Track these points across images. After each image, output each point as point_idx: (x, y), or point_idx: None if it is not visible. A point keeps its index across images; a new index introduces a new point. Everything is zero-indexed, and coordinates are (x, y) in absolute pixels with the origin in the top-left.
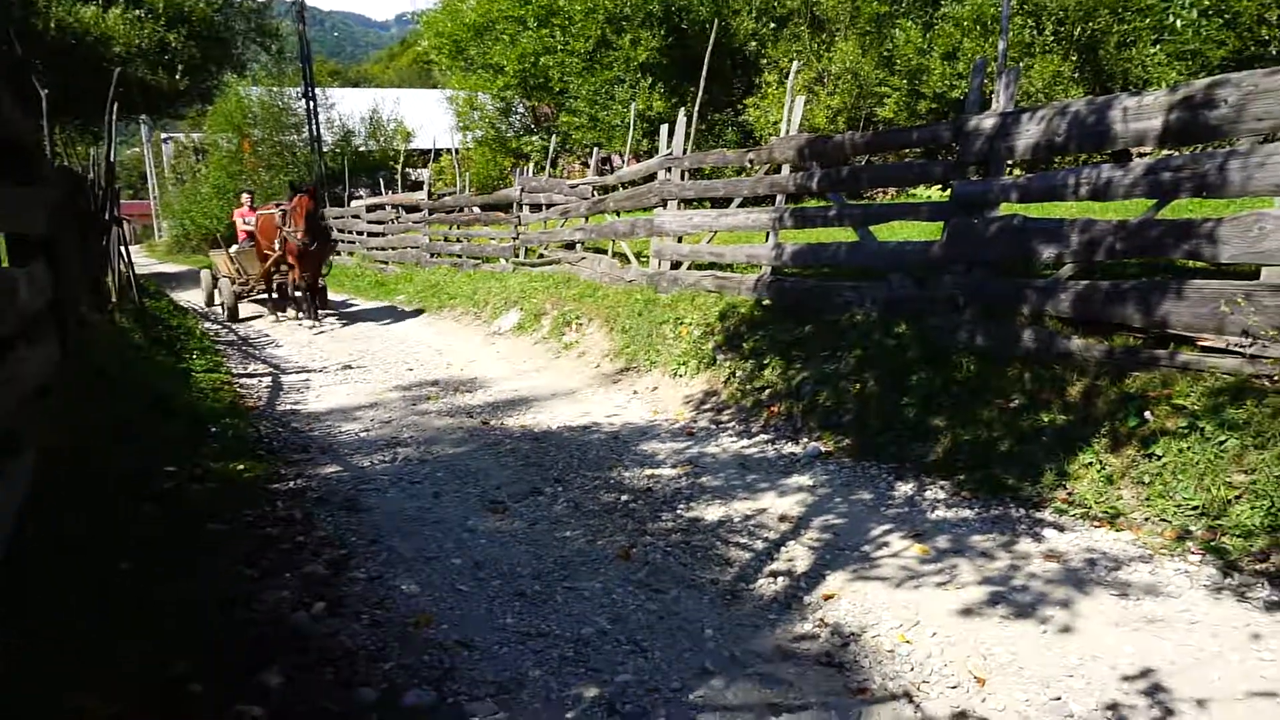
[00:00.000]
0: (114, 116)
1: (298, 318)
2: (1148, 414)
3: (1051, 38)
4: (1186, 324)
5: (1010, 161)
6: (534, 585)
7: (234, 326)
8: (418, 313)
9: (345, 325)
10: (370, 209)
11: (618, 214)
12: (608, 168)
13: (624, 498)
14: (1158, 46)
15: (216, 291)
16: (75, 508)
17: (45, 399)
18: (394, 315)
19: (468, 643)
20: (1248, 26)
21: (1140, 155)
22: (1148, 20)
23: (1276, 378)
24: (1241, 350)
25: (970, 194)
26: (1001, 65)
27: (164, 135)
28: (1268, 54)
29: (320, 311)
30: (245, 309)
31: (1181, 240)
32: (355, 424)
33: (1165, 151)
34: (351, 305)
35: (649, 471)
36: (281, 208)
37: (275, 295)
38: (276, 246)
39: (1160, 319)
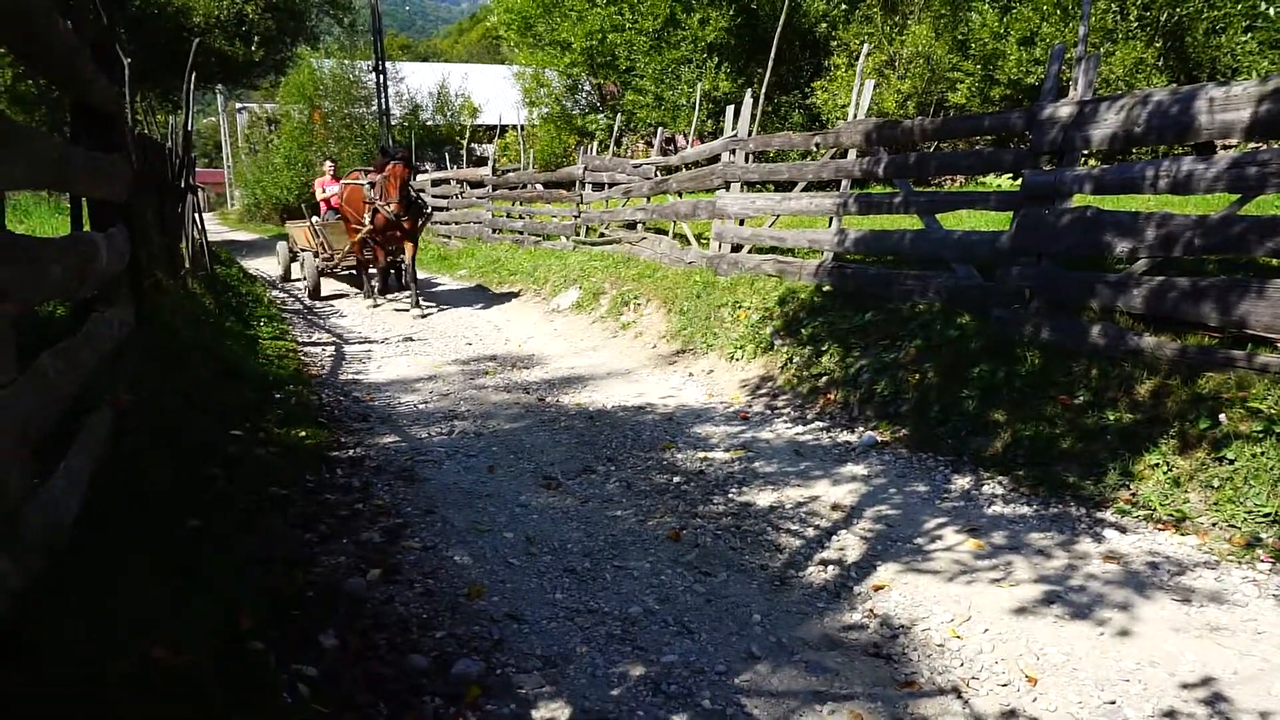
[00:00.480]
0: (192, 86)
1: (392, 300)
2: (1221, 416)
3: (1135, 23)
4: (1267, 325)
5: (1085, 152)
6: (584, 562)
7: (312, 303)
8: (479, 289)
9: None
10: (435, 183)
11: (680, 195)
12: (671, 148)
13: (676, 479)
14: (1249, 34)
15: (296, 266)
16: (148, 467)
17: (120, 360)
18: (456, 290)
19: (517, 616)
20: None
21: (1225, 149)
22: (1239, 6)
23: None
24: None
25: (1042, 184)
26: (1081, 51)
27: (239, 105)
28: None
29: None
30: (328, 286)
31: (1266, 238)
32: (414, 395)
33: (1252, 145)
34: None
35: (702, 454)
36: (370, 177)
37: (370, 274)
38: (366, 220)
39: (1239, 319)
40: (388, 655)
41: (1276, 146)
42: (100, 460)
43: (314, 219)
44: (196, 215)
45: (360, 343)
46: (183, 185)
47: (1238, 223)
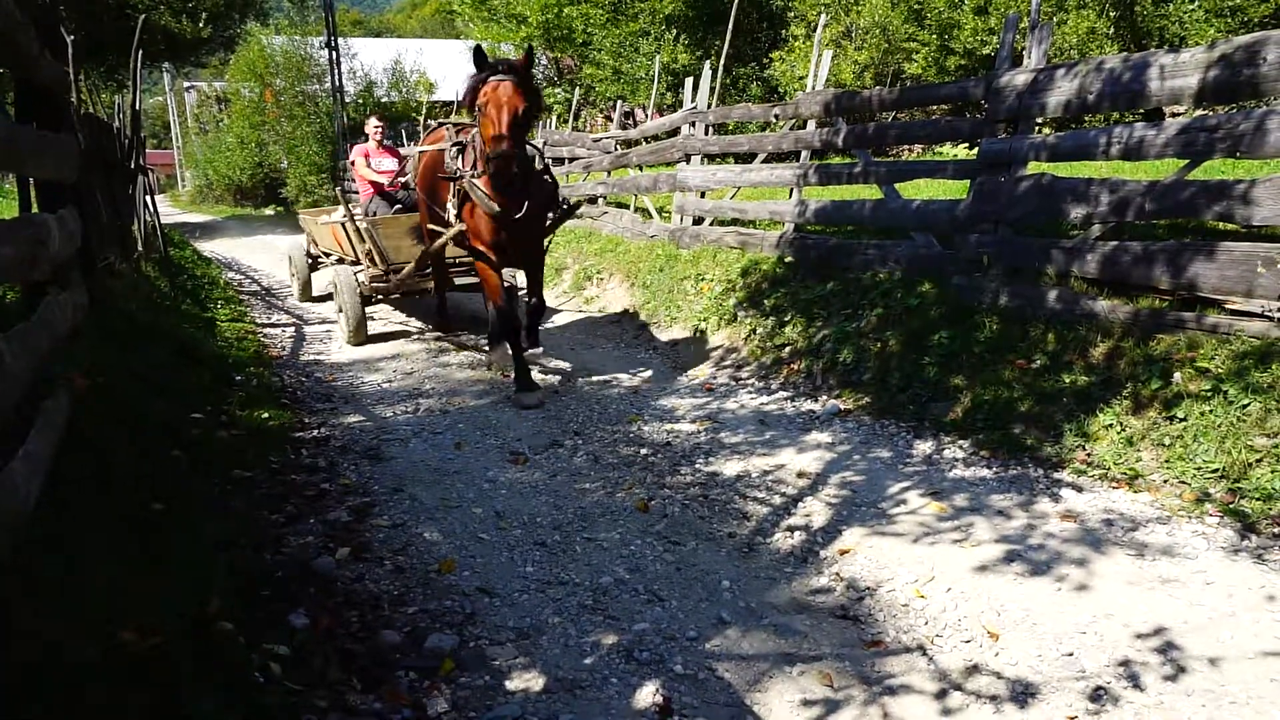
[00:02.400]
0: (139, 64)
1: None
2: (1174, 376)
3: None
4: (1215, 287)
5: (1040, 120)
6: (554, 535)
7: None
8: None
9: None
10: None
11: (640, 168)
12: (631, 121)
13: (643, 451)
14: (1196, 3)
15: (322, 279)
16: (109, 450)
17: (76, 344)
18: None
19: (489, 590)
20: None
21: (1174, 115)
22: None
23: None
24: (1271, 314)
25: (998, 152)
26: (1035, 20)
27: (187, 84)
28: None
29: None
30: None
31: (1214, 202)
32: (377, 375)
33: (1200, 111)
34: None
35: (668, 426)
36: (462, 135)
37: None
38: (451, 214)
39: (1189, 281)
40: (360, 632)
41: (1223, 112)
42: (60, 444)
43: (353, 211)
44: (148, 197)
45: (320, 323)
46: (133, 166)
47: (1187, 187)
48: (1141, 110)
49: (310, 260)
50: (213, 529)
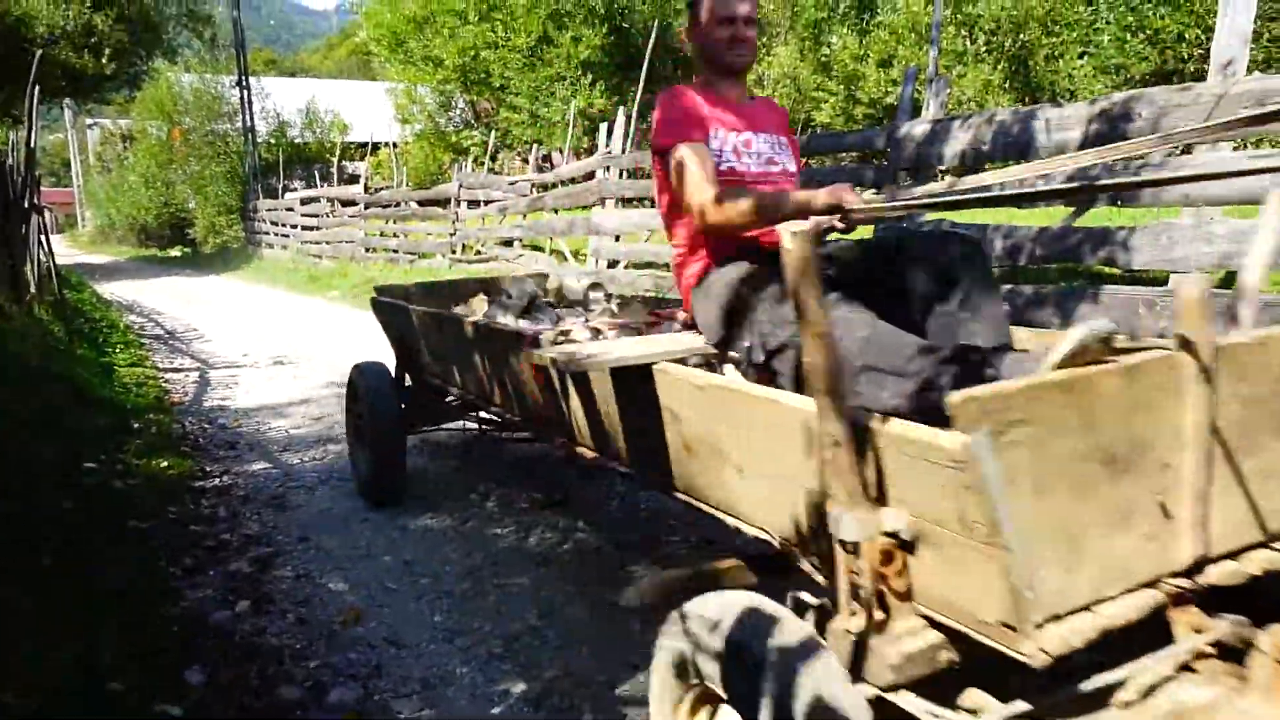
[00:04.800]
0: (35, 101)
1: None
2: None
3: (984, 48)
4: None
5: (940, 168)
6: (463, 583)
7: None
8: (354, 309)
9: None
10: (305, 201)
11: (556, 212)
12: (548, 165)
13: (559, 494)
14: (1084, 60)
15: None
16: None
17: None
18: (329, 311)
19: (396, 641)
20: (1168, 44)
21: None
22: (1075, 34)
23: None
24: None
25: None
26: (933, 74)
27: (90, 121)
28: (1186, 70)
29: None
30: None
31: (1099, 247)
32: (285, 421)
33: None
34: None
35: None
36: None
37: None
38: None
39: (1078, 323)
40: (259, 688)
41: (1106, 163)
42: None
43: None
44: (43, 237)
45: (226, 367)
46: (27, 205)
47: (1073, 233)
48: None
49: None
50: (104, 583)
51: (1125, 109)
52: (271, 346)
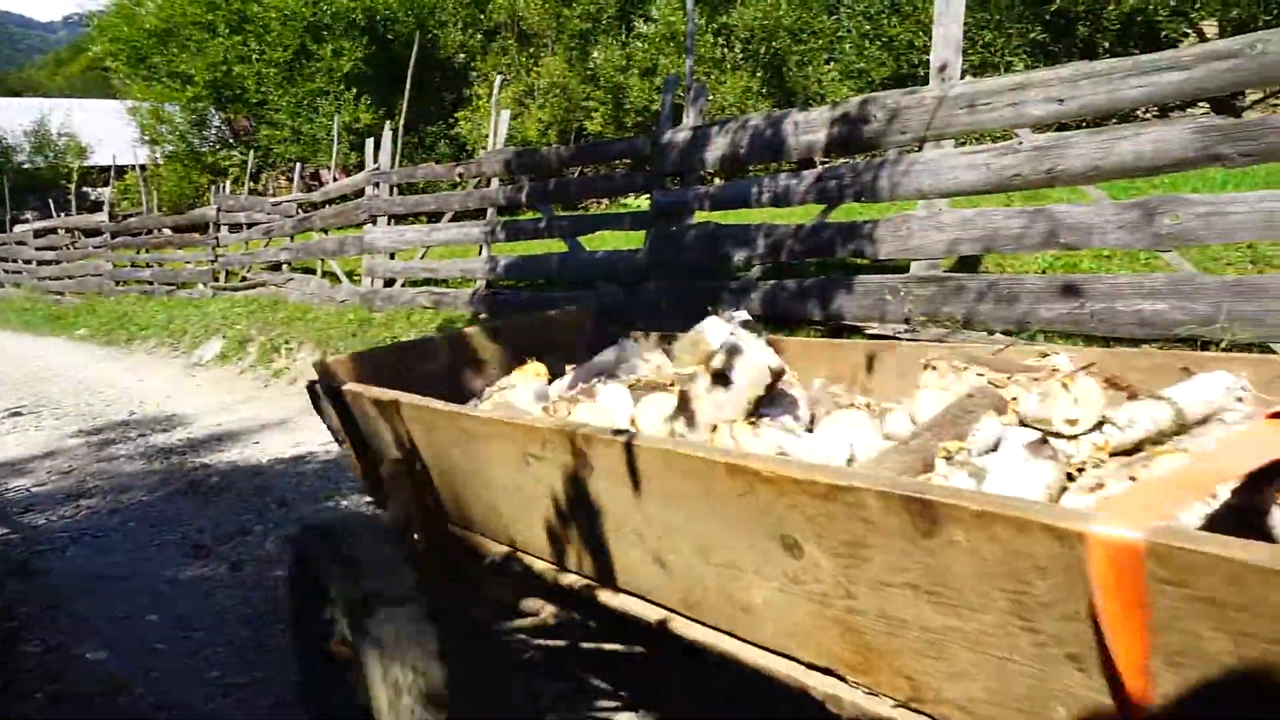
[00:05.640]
0: None
1: None
2: None
3: (741, 56)
4: (855, 315)
5: (705, 172)
6: (242, 631)
7: None
8: (104, 348)
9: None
10: (39, 234)
11: (325, 232)
12: (316, 183)
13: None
14: (830, 65)
15: None
16: None
17: None
18: (74, 351)
19: (168, 704)
20: (902, 50)
21: (821, 163)
22: (821, 42)
23: None
24: (899, 336)
25: (668, 203)
26: (690, 82)
27: None
28: (918, 74)
29: None
30: None
31: (848, 240)
32: (26, 479)
33: (841, 160)
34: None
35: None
36: None
37: None
38: None
39: (836, 312)
40: None
41: (850, 161)
42: None
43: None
44: None
45: None
46: None
47: (826, 229)
48: (798, 160)
49: None
50: None
51: (862, 111)
52: (6, 397)
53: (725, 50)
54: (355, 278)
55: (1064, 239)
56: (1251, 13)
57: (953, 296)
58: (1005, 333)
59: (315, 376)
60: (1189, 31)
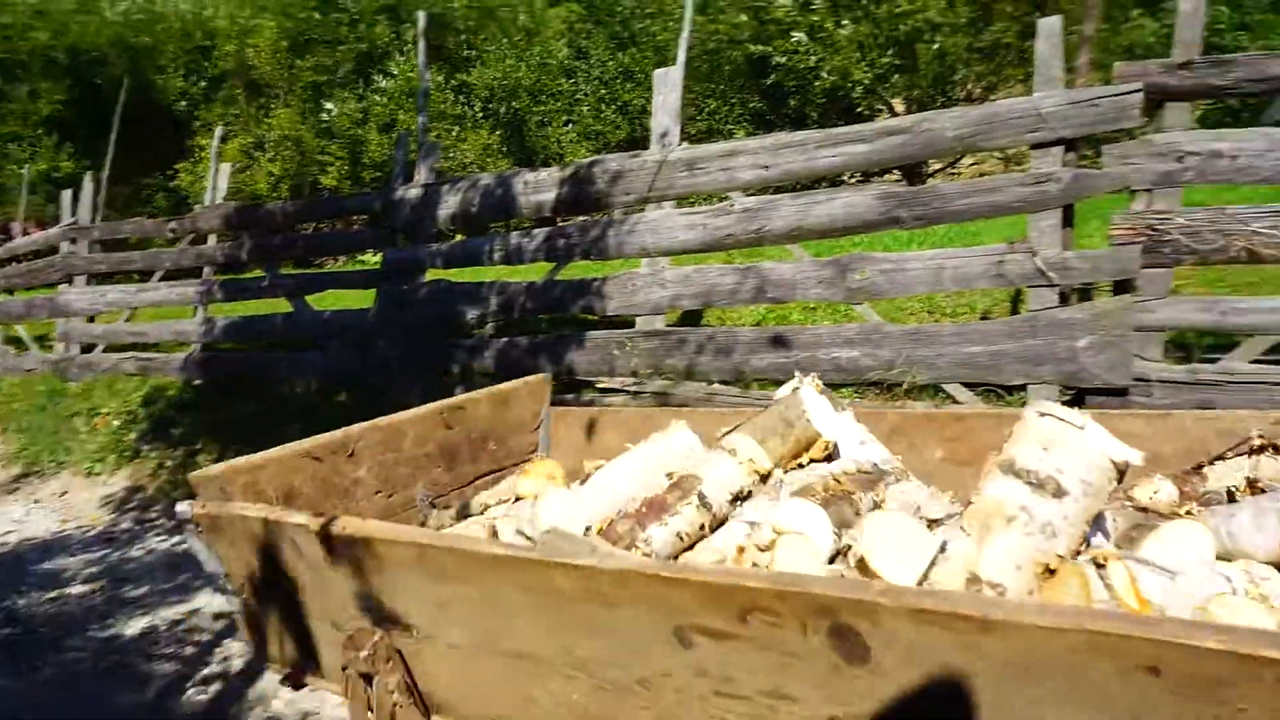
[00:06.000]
0: None
1: None
2: None
3: (481, 114)
4: (586, 370)
5: (442, 229)
6: None
7: None
8: None
9: None
10: None
11: (11, 293)
12: (6, 237)
13: (17, 632)
14: (569, 126)
15: None
16: None
17: None
18: None
19: None
20: (635, 114)
21: (560, 223)
22: (559, 103)
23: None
24: (628, 388)
25: (400, 260)
26: (422, 139)
27: None
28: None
29: None
30: None
31: (578, 297)
32: None
33: (571, 220)
34: None
35: (54, 593)
36: None
37: None
38: None
39: (568, 366)
40: None
41: (577, 221)
42: None
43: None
44: None
45: None
46: None
47: (557, 286)
48: (529, 221)
49: None
50: None
51: (588, 173)
52: None
53: (466, 108)
54: (46, 344)
55: (771, 294)
56: (930, 94)
57: (675, 349)
58: (723, 382)
59: (190, 500)
60: (882, 107)
